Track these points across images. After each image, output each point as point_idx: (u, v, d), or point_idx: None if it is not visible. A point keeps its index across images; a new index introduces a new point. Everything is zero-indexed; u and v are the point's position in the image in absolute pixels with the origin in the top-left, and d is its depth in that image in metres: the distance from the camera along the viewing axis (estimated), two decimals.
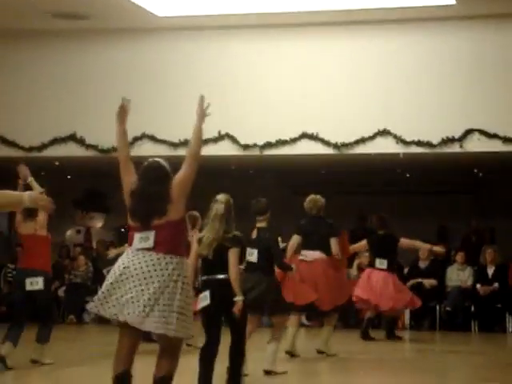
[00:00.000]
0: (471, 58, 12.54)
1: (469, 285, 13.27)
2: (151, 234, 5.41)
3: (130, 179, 5.76)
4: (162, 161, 5.93)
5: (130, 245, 5.49)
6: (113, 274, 5.40)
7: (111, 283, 5.36)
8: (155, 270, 5.32)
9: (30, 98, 13.51)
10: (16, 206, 4.69)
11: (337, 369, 8.95)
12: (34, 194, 4.69)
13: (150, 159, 5.93)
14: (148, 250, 5.37)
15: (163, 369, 5.46)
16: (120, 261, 5.45)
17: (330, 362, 9.31)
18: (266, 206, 8.25)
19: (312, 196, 10.03)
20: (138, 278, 5.30)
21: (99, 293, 5.40)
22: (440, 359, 10.15)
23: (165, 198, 5.54)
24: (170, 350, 5.45)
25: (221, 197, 6.83)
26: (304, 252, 9.72)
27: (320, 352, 9.59)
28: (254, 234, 8.15)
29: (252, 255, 7.99)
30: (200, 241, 6.78)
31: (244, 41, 13.22)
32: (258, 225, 8.17)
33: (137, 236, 5.43)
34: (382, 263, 11.35)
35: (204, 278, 6.78)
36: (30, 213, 8.54)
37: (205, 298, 6.64)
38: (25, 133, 13.43)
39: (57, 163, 14.17)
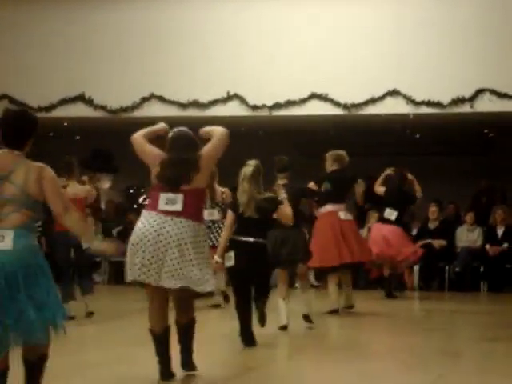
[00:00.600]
0: (482, 18, 12.42)
1: (478, 245, 13.27)
2: (179, 197, 5.51)
3: (150, 150, 5.73)
4: (188, 130, 5.93)
5: (151, 205, 5.52)
6: (144, 240, 5.49)
7: (144, 251, 5.49)
8: (188, 237, 5.48)
9: (39, 58, 13.48)
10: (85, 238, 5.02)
11: (345, 326, 9.01)
12: (101, 246, 4.97)
13: (176, 129, 5.94)
14: (176, 214, 5.45)
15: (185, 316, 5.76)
16: (148, 225, 5.49)
17: (338, 322, 9.36)
18: (288, 163, 8.53)
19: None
20: (174, 244, 5.45)
21: (137, 261, 5.48)
22: (448, 319, 10.19)
23: (194, 165, 5.66)
24: (185, 299, 5.70)
25: (250, 161, 7.22)
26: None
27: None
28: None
29: None
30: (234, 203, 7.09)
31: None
32: (281, 182, 8.27)
33: (163, 197, 5.50)
34: (391, 214, 11.40)
35: (235, 238, 7.04)
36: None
37: (229, 259, 6.92)
38: (33, 93, 13.41)
39: (65, 124, 14.18)
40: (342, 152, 9.92)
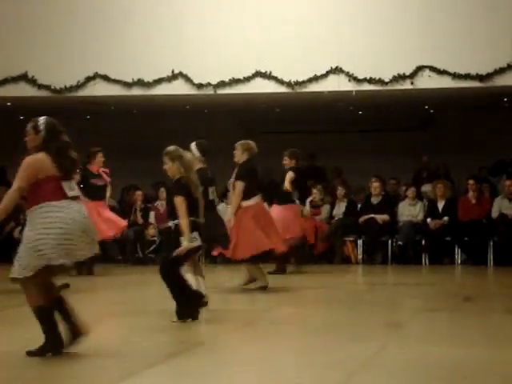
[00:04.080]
0: None
1: (420, 219, 13.58)
2: (73, 184, 5.96)
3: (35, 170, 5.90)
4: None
5: (48, 197, 5.74)
6: (70, 226, 5.74)
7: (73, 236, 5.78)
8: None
9: None
10: None
11: (287, 301, 9.18)
12: None
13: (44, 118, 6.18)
14: (76, 198, 5.90)
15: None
16: (74, 212, 5.78)
17: (282, 298, 9.53)
18: (207, 147, 8.62)
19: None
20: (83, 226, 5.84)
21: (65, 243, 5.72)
22: (391, 292, 10.46)
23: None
24: None
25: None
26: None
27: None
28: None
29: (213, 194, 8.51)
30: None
31: None
32: (200, 165, 8.38)
33: (66, 185, 5.85)
34: (297, 195, 11.51)
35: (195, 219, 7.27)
36: None
37: (195, 239, 7.20)
38: None
39: (8, 104, 14.04)
40: (252, 142, 9.96)
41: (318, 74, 12.76)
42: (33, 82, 13.23)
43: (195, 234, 7.20)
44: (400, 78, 12.60)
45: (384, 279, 12.10)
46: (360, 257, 13.60)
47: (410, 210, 13.68)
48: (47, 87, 13.21)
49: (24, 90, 13.26)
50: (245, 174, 9.52)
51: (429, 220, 13.42)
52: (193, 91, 13.10)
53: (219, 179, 14.84)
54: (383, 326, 7.33)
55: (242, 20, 13.02)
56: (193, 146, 8.44)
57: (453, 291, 10.05)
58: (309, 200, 13.92)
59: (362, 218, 13.61)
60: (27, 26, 13.27)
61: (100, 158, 11.55)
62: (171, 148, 7.38)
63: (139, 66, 13.04)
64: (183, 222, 7.12)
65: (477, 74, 12.39)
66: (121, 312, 8.23)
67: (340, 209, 14.00)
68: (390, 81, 12.64)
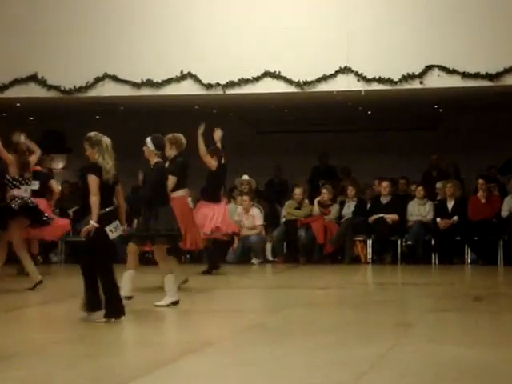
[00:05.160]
0: None
1: (429, 219, 13.56)
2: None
3: None
4: None
5: None
6: None
7: None
8: None
9: None
10: None
11: (298, 301, 9.18)
12: None
13: None
14: None
15: None
16: None
17: (291, 298, 9.54)
18: (161, 142, 8.60)
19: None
20: None
21: None
22: (400, 291, 10.45)
23: None
24: None
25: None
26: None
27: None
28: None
29: None
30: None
31: None
32: (156, 159, 8.43)
33: None
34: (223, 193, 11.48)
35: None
36: None
37: (117, 228, 7.32)
38: None
39: (18, 104, 14.08)
40: (179, 135, 9.95)
41: (327, 73, 12.75)
42: (42, 82, 13.27)
43: (117, 222, 7.27)
44: (409, 77, 12.58)
45: (394, 279, 12.08)
46: (369, 256, 13.59)
47: (419, 210, 13.66)
48: (56, 88, 13.25)
49: (34, 91, 13.31)
50: (174, 168, 9.55)
51: (438, 220, 13.39)
52: (202, 91, 13.12)
53: (228, 178, 14.96)
54: (393, 326, 7.33)
55: (251, 20, 13.02)
56: (148, 140, 8.44)
57: (463, 291, 10.03)
58: (317, 200, 13.93)
59: (372, 218, 13.59)
60: (36, 28, 13.31)
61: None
62: (91, 134, 7.47)
63: (148, 66, 13.07)
64: (94, 199, 7.16)
65: (486, 73, 12.36)
66: (128, 312, 8.24)
67: (349, 208, 13.98)
68: (399, 80, 12.62)
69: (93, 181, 7.21)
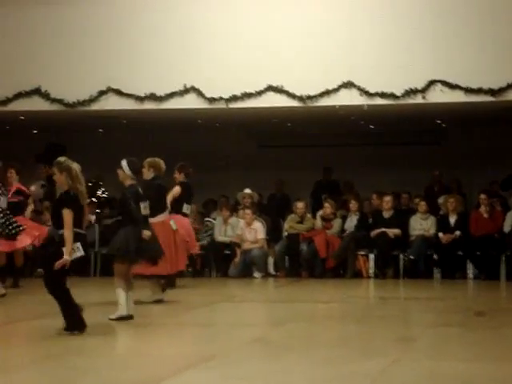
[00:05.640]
0: (434, 9, 12.67)
1: (431, 233, 13.55)
2: None
3: None
4: None
5: None
6: None
7: None
8: None
9: None
10: None
11: (300, 315, 9.17)
12: None
13: None
14: None
15: None
16: None
17: (293, 312, 9.53)
18: (137, 166, 8.78)
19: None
20: None
21: None
22: (402, 306, 10.44)
23: None
24: None
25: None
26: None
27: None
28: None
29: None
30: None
31: None
32: (131, 182, 8.58)
33: None
34: (187, 208, 11.27)
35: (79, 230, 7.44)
36: None
37: (78, 250, 7.31)
38: None
39: (22, 117, 14.13)
40: (159, 160, 9.91)
41: (330, 88, 12.79)
42: (46, 96, 13.32)
43: (78, 244, 7.30)
44: (412, 92, 12.62)
45: (395, 293, 12.07)
46: (371, 271, 13.57)
47: (421, 224, 13.65)
48: (60, 101, 13.29)
49: (37, 104, 13.35)
50: (150, 192, 9.38)
51: (440, 234, 13.39)
52: (205, 105, 13.16)
53: (230, 192, 15.00)
54: (395, 341, 7.32)
55: (254, 34, 13.07)
56: (123, 162, 8.56)
57: (465, 306, 10.02)
58: (319, 214, 13.94)
59: (374, 232, 13.59)
60: (40, 41, 13.38)
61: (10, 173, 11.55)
62: (61, 159, 7.54)
63: (151, 80, 13.12)
64: (68, 233, 7.21)
65: (489, 89, 12.39)
66: (128, 324, 8.24)
67: (352, 222, 13.99)
68: (402, 95, 12.66)
69: (67, 215, 7.23)
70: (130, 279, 8.46)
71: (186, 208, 11.09)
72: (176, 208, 10.76)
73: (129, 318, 8.20)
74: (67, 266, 7.19)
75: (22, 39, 13.41)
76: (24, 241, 11.08)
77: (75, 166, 7.47)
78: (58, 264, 7.15)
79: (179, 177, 11.06)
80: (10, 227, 10.33)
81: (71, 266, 7.31)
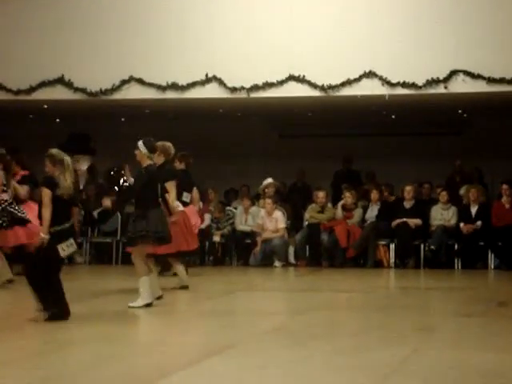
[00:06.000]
0: (456, 0, 12.60)
1: (452, 224, 13.52)
2: None
3: None
4: None
5: None
6: None
7: None
8: None
9: (17, 40, 13.50)
10: None
11: (320, 304, 9.20)
12: None
13: None
14: None
15: None
16: None
17: (314, 301, 9.55)
18: (154, 145, 8.74)
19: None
20: None
21: None
22: (423, 296, 10.43)
23: None
24: None
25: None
26: None
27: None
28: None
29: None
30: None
31: None
32: (149, 161, 8.58)
33: None
34: (186, 196, 11.39)
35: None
36: None
37: (71, 246, 7.41)
38: (12, 76, 13.46)
39: (45, 106, 14.22)
40: (169, 144, 9.87)
41: (352, 77, 12.77)
42: (69, 85, 13.40)
43: (71, 240, 7.36)
44: (434, 82, 12.58)
45: (416, 283, 12.06)
46: (392, 261, 13.57)
47: (442, 215, 13.63)
48: (83, 90, 13.37)
49: (60, 93, 13.45)
50: (168, 175, 9.54)
51: (462, 225, 13.36)
52: (226, 95, 13.18)
53: (251, 182, 15.03)
54: (415, 330, 7.33)
55: (276, 23, 13.07)
56: (140, 143, 8.57)
57: (486, 296, 9.99)
58: (341, 203, 13.94)
59: (395, 222, 13.58)
60: (64, 30, 13.46)
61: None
62: (54, 151, 7.53)
63: (173, 69, 13.15)
64: (46, 212, 7.23)
65: (511, 78, 12.32)
66: (150, 311, 8.31)
67: (373, 212, 13.98)
68: (424, 85, 12.62)
69: (45, 194, 7.29)
70: (148, 263, 8.55)
71: (185, 196, 11.20)
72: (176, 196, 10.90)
73: (153, 303, 8.28)
74: (44, 244, 7.19)
75: (47, 29, 13.50)
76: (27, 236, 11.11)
77: (68, 159, 7.50)
78: (34, 245, 7.24)
79: (179, 166, 11.10)
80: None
81: (56, 264, 7.36)
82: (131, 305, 8.25)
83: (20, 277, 10.38)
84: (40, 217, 7.39)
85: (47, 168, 7.47)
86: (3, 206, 10.08)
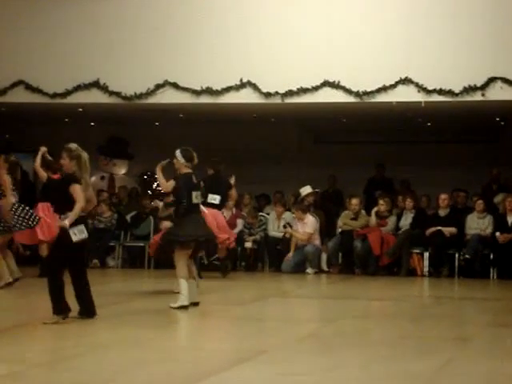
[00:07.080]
0: (494, 7, 12.46)
1: (488, 233, 13.35)
2: None
3: None
4: None
5: None
6: None
7: None
8: None
9: (54, 43, 13.61)
10: None
11: (354, 313, 9.12)
12: None
13: None
14: None
15: None
16: None
17: (346, 308, 9.48)
18: (192, 155, 8.91)
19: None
20: None
21: None
22: (457, 305, 10.31)
23: None
24: None
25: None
26: None
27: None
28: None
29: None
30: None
31: None
32: (185, 170, 8.79)
33: None
34: (213, 198, 11.50)
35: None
36: None
37: (81, 232, 7.48)
38: (49, 79, 13.56)
39: (80, 110, 14.31)
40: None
41: (387, 84, 12.68)
42: (104, 88, 13.47)
43: (82, 226, 7.44)
44: (471, 89, 12.44)
45: (450, 293, 11.92)
46: (426, 269, 13.43)
47: (478, 223, 13.46)
48: (118, 94, 13.43)
49: (95, 97, 13.51)
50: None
51: (497, 234, 13.18)
52: (260, 100, 13.15)
53: (286, 188, 14.96)
54: (450, 340, 7.23)
55: (311, 29, 13.02)
56: (178, 153, 8.77)
57: None
58: (374, 210, 13.83)
59: (429, 231, 13.44)
60: (100, 35, 13.53)
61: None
62: (72, 146, 7.60)
63: (208, 74, 13.16)
64: (79, 205, 7.37)
65: None
66: (181, 316, 8.29)
67: (407, 220, 13.85)
68: (461, 92, 12.48)
69: (78, 189, 7.42)
70: (190, 266, 8.61)
71: (210, 198, 11.46)
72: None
73: (190, 306, 8.38)
74: (67, 227, 7.30)
75: (82, 33, 13.57)
76: (46, 234, 11.19)
77: (85, 156, 7.58)
78: (61, 223, 7.32)
79: (210, 172, 11.68)
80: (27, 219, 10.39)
81: (74, 250, 7.43)
82: (171, 305, 8.35)
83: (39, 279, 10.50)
84: (58, 210, 7.57)
85: (63, 160, 7.57)
86: (16, 209, 10.17)
